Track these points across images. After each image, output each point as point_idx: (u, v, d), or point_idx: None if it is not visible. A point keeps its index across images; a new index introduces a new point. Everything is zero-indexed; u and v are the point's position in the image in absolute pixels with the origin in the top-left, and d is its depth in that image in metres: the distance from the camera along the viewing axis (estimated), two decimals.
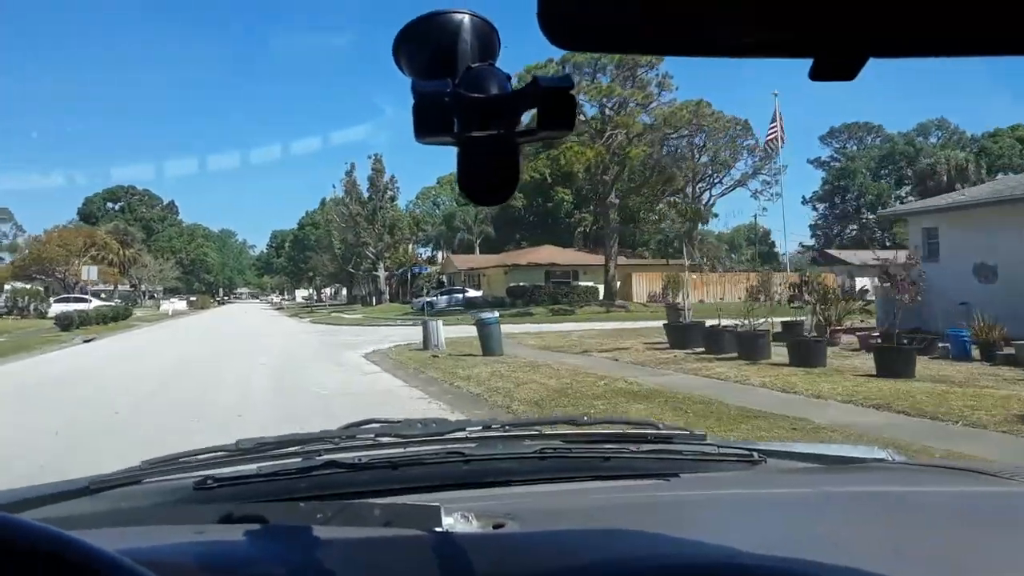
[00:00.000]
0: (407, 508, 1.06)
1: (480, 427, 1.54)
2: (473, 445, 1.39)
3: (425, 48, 0.64)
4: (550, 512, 1.13)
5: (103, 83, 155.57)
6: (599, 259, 53.96)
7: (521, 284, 46.34)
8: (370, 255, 56.20)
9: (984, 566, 0.93)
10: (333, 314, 50.68)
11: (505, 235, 71.10)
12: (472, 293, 47.56)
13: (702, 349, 16.43)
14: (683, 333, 18.20)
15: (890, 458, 1.58)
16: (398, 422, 1.45)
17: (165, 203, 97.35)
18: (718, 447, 1.50)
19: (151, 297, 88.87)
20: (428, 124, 0.57)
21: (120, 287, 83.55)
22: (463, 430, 1.48)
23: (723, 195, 63.19)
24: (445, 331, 20.57)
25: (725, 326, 16.58)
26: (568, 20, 0.48)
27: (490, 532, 0.98)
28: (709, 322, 17.77)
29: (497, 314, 19.21)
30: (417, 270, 58.82)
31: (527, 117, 0.60)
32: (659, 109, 41.00)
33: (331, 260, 68.45)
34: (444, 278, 62.16)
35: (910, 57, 0.49)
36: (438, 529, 0.96)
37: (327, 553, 0.90)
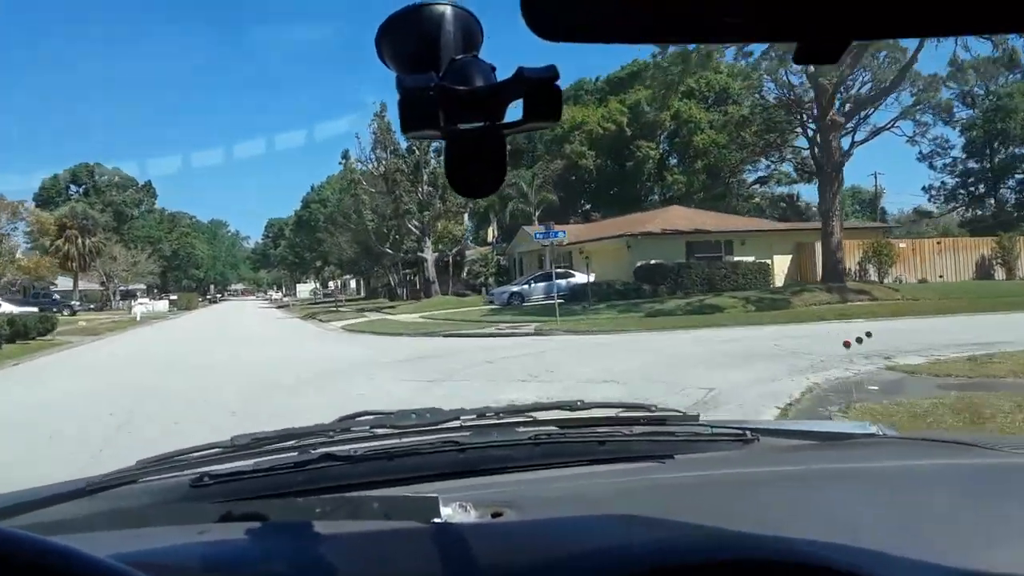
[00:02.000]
0: (405, 500, 1.07)
1: (474, 415, 1.50)
2: (468, 434, 1.39)
3: (408, 41, 0.64)
4: (547, 499, 1.13)
5: (82, 70, 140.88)
6: (756, 224, 38.52)
7: (653, 262, 30.94)
8: (414, 228, 40.24)
9: (985, 537, 0.94)
10: (365, 312, 35.54)
11: (568, 204, 55.59)
12: (580, 277, 32.12)
13: None
14: None
15: (880, 432, 1.58)
16: (393, 413, 1.42)
17: (140, 184, 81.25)
18: (711, 428, 1.50)
19: (127, 297, 73.64)
20: (414, 118, 0.57)
21: (87, 285, 67.75)
22: (458, 419, 1.44)
23: (866, 140, 47.95)
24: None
25: None
26: (551, 11, 0.48)
27: (488, 522, 0.99)
28: None
29: None
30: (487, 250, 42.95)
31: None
32: None
33: (351, 241, 52.73)
34: (503, 260, 46.66)
35: (892, 38, 0.50)
36: (437, 520, 0.96)
37: (329, 548, 0.90)
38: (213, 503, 1.14)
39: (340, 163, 40.00)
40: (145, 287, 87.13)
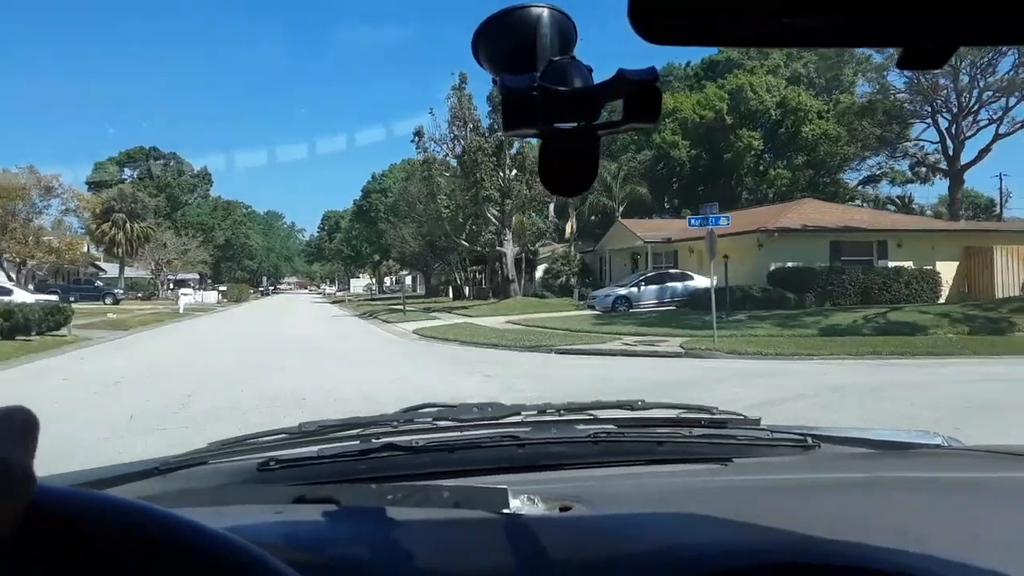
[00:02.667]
0: (475, 490, 1.07)
1: (535, 411, 1.52)
2: (528, 429, 1.41)
3: (505, 42, 0.64)
4: (614, 495, 1.14)
5: (147, 57, 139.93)
6: (916, 222, 32.27)
7: (790, 264, 25.22)
8: (492, 218, 34.96)
9: None
10: (433, 312, 30.56)
11: (655, 199, 49.86)
12: (699, 280, 26.50)
13: None
14: None
15: (945, 443, 1.55)
16: (455, 406, 1.45)
17: (196, 170, 77.89)
18: (771, 432, 1.47)
19: (180, 285, 70.39)
20: (516, 117, 0.57)
21: (137, 273, 64.30)
22: (518, 414, 1.46)
23: (1011, 134, 41.23)
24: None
25: None
26: (658, 15, 0.49)
27: (558, 515, 0.99)
28: None
29: None
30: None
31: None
32: None
33: (415, 233, 47.85)
34: (584, 258, 41.24)
35: (1000, 44, 0.53)
36: (506, 511, 0.97)
37: (403, 533, 0.92)
38: (282, 486, 1.15)
39: (412, 141, 34.87)
40: (198, 276, 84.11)
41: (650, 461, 1.35)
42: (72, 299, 31.18)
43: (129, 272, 64.53)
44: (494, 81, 0.64)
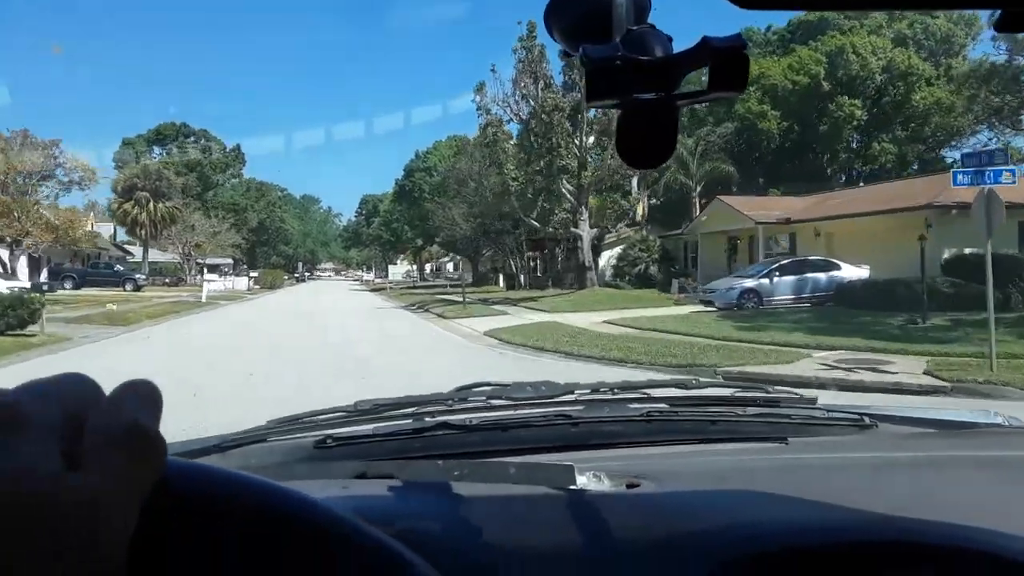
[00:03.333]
0: (541, 467, 1.07)
1: (588, 390, 1.53)
2: (581, 408, 1.41)
3: (579, 13, 0.63)
4: (675, 474, 1.13)
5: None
6: None
7: (969, 252, 19.38)
8: (567, 194, 29.23)
9: None
10: (493, 305, 25.36)
11: (746, 177, 43.86)
12: (848, 271, 20.76)
13: None
14: None
15: (1006, 423, 1.52)
16: (508, 385, 1.46)
17: (228, 148, 73.32)
18: (827, 411, 1.46)
19: (212, 271, 66.28)
20: (601, 88, 0.56)
21: (166, 257, 59.94)
22: (571, 393, 1.48)
23: None
24: None
25: None
26: None
27: (626, 492, 0.99)
28: None
29: None
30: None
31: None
32: None
33: (467, 214, 42.53)
34: (663, 243, 35.56)
35: None
36: (573, 487, 0.97)
37: (472, 509, 0.92)
38: (340, 463, 1.17)
39: (473, 100, 29.37)
40: (231, 261, 79.98)
41: (703, 440, 1.34)
42: (67, 286, 26.29)
43: (158, 256, 60.28)
44: (565, 53, 0.63)
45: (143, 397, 0.41)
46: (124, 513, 0.36)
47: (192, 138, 70.66)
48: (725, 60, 0.54)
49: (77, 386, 0.39)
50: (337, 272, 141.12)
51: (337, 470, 1.13)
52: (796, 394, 1.59)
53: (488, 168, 31.82)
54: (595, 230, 30.81)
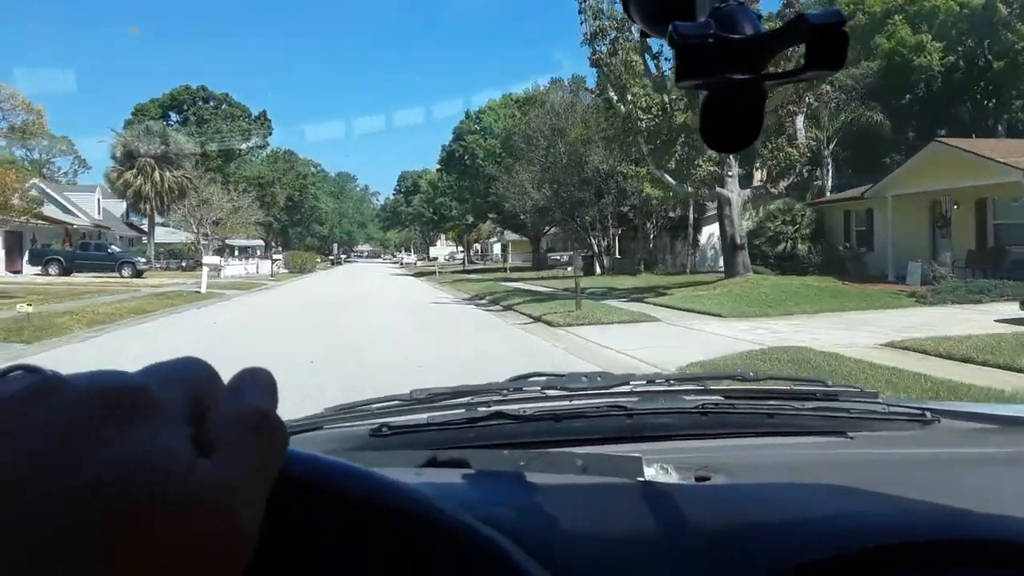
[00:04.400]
0: (608, 458, 1.06)
1: (644, 381, 1.52)
2: (636, 399, 1.40)
3: None
4: (743, 467, 1.10)
5: None
6: None
7: None
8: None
9: None
10: (610, 302, 16.68)
11: (861, 157, 34.26)
12: None
13: None
14: None
15: None
16: (563, 375, 1.45)
17: (253, 115, 65.04)
18: (888, 406, 1.42)
19: (239, 253, 58.76)
20: (692, 67, 0.54)
21: (182, 237, 52.01)
22: (627, 384, 1.46)
23: None
24: None
25: None
26: None
27: (696, 484, 0.99)
28: None
29: None
30: None
31: None
32: None
33: (541, 180, 33.72)
34: (813, 213, 26.34)
35: None
36: (641, 479, 0.96)
37: (542, 497, 0.91)
38: (396, 452, 1.18)
39: (580, 12, 20.21)
40: (263, 243, 72.32)
41: (760, 434, 1.31)
42: (52, 271, 17.97)
43: (172, 238, 52.45)
44: (643, 35, 0.60)
45: (263, 384, 0.40)
46: (255, 501, 0.36)
47: (212, 103, 62.53)
48: (823, 37, 0.52)
49: (199, 371, 0.39)
50: (375, 254, 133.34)
51: (397, 458, 1.11)
52: (856, 388, 1.52)
53: (596, 108, 22.59)
54: (747, 191, 21.65)
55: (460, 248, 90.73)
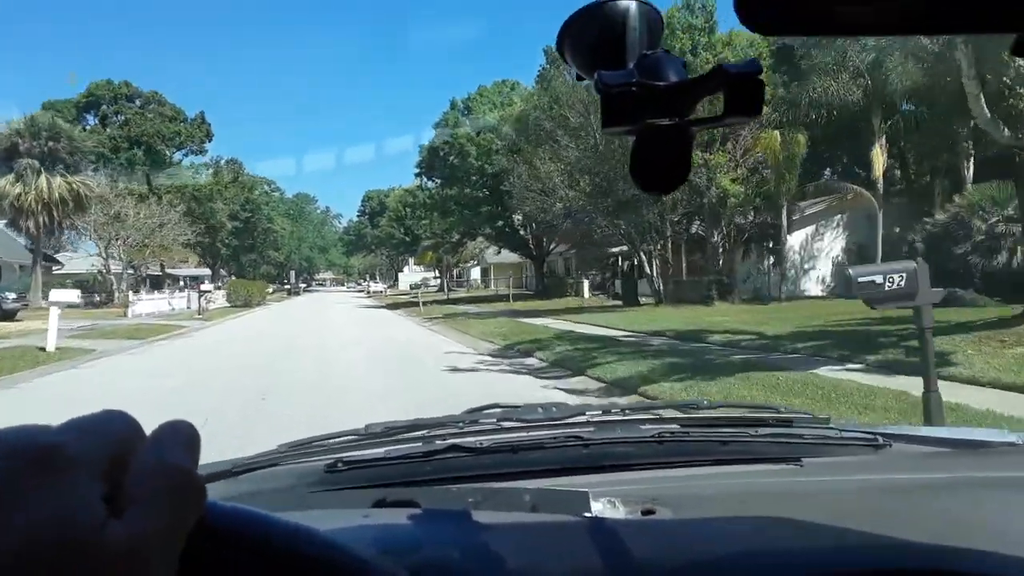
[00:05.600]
0: (556, 493, 1.08)
1: (600, 411, 1.53)
2: (592, 429, 1.40)
3: (593, 38, 0.63)
4: (691, 498, 1.12)
5: None
6: None
7: None
8: None
9: None
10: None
11: None
12: None
13: None
14: None
15: (1020, 440, 1.49)
16: (519, 407, 1.45)
17: (190, 118, 54.06)
18: (840, 431, 1.44)
19: (195, 284, 48.42)
20: (616, 114, 0.55)
21: (71, 258, 41.00)
22: (583, 414, 1.47)
23: None
24: None
25: None
26: (766, 7, 0.48)
27: (642, 519, 0.99)
28: None
29: None
30: None
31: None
32: None
33: (582, 167, 24.03)
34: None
35: None
36: (588, 515, 0.97)
37: (489, 537, 0.91)
38: (351, 489, 1.17)
39: None
40: (209, 272, 61.29)
41: (716, 461, 1.32)
42: None
43: (87, 264, 41.48)
44: (578, 78, 0.62)
45: (184, 439, 0.39)
46: (166, 559, 0.35)
47: (138, 101, 51.58)
48: (741, 86, 0.54)
49: (119, 425, 0.38)
50: (339, 282, 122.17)
51: (351, 496, 1.12)
52: (808, 414, 1.56)
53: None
54: None
55: (435, 274, 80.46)
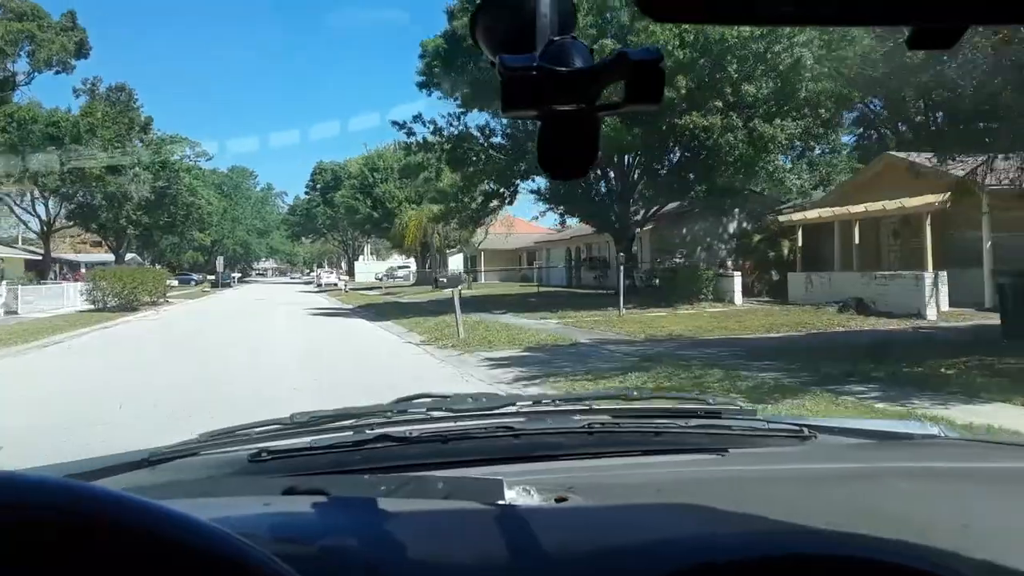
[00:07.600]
0: (470, 481, 1.08)
1: (530, 402, 1.53)
2: (523, 419, 1.39)
3: (503, 22, 0.63)
4: (608, 487, 1.13)
5: None
6: None
7: None
8: None
9: None
10: None
11: None
12: None
13: None
14: None
15: (942, 434, 1.55)
16: (449, 396, 1.44)
17: (56, 17, 35.55)
18: (767, 422, 1.46)
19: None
20: (516, 98, 0.56)
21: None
22: (513, 404, 1.47)
23: None
24: None
25: None
26: None
27: (554, 506, 0.99)
28: None
29: None
30: None
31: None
32: None
33: None
34: None
35: (1012, 24, 0.47)
36: (501, 502, 0.97)
37: (396, 525, 0.91)
38: (273, 477, 1.15)
39: None
40: (113, 256, 43.31)
41: (646, 452, 1.33)
42: None
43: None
44: (491, 63, 0.61)
45: None
46: None
47: None
48: (642, 73, 0.54)
49: None
50: (280, 272, 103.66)
51: (268, 485, 1.09)
52: (738, 406, 1.57)
53: None
54: None
55: (404, 262, 63.45)
